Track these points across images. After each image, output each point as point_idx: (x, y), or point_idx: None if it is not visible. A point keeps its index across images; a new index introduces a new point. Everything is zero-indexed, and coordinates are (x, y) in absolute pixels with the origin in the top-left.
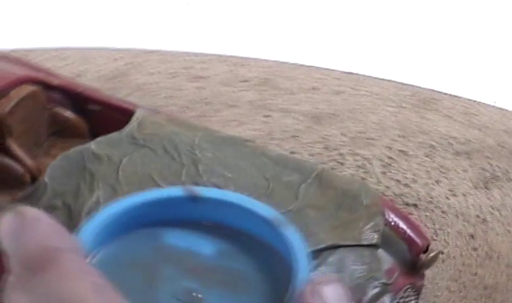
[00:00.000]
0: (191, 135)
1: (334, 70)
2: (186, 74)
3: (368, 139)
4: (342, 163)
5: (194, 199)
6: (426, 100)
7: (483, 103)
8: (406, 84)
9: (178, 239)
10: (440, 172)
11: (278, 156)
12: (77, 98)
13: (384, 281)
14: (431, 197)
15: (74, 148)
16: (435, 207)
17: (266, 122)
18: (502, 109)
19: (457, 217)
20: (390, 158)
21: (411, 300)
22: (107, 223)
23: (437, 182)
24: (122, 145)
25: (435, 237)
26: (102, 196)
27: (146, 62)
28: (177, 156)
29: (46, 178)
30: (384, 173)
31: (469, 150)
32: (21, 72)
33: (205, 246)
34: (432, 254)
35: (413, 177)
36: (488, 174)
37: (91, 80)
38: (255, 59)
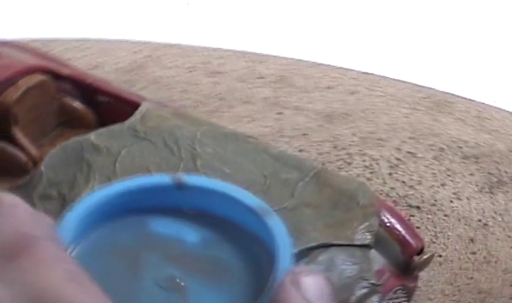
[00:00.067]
0: (193, 130)
1: (351, 69)
2: (203, 69)
3: (378, 139)
4: (349, 163)
5: (180, 186)
6: (441, 103)
7: (498, 108)
8: (422, 86)
9: (163, 227)
10: (447, 175)
11: (279, 153)
12: (86, 89)
13: (373, 281)
14: (435, 200)
15: (74, 138)
16: (438, 210)
17: (278, 120)
18: None
19: (459, 221)
20: (398, 159)
21: (402, 302)
22: (92, 210)
23: (443, 185)
24: (122, 137)
25: (434, 240)
26: (97, 186)
27: (164, 55)
28: (177, 150)
29: (42, 167)
30: (390, 174)
31: (478, 154)
32: (31, 61)
33: (189, 234)
34: (425, 256)
35: (419, 179)
36: (494, 179)
37: (108, 72)
38: (274, 56)
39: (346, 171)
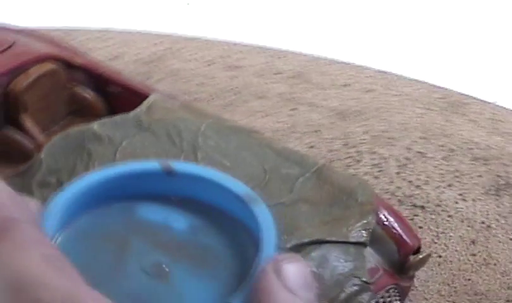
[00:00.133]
0: (198, 123)
1: (368, 68)
2: (222, 63)
3: (389, 138)
4: (358, 161)
5: (169, 173)
6: (455, 104)
7: None
8: (439, 87)
9: (151, 213)
10: (455, 175)
11: (282, 148)
12: (98, 79)
13: (364, 279)
14: (440, 201)
15: (76, 127)
16: (442, 210)
17: (291, 115)
18: None
19: (462, 222)
20: (408, 159)
21: (393, 300)
22: (81, 195)
23: (449, 185)
24: (125, 127)
25: (436, 240)
26: None
27: (184, 48)
28: (179, 142)
29: (42, 154)
30: (398, 173)
31: (488, 156)
32: (44, 49)
33: (177, 221)
34: (421, 256)
35: (426, 179)
36: (502, 181)
37: (127, 63)
38: (293, 53)
39: (355, 169)
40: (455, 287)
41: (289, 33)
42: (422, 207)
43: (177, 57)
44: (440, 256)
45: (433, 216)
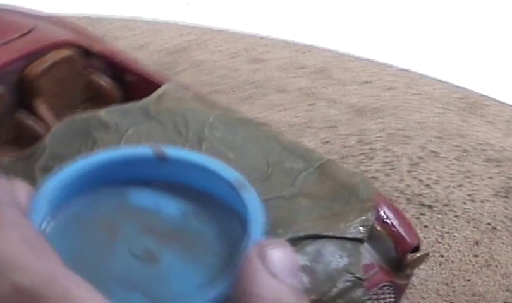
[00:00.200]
0: (206, 114)
1: (391, 66)
2: (246, 56)
3: (404, 136)
4: (371, 158)
5: (161, 159)
6: (474, 105)
7: None
8: (459, 87)
9: (144, 198)
10: (466, 176)
11: (289, 142)
12: (115, 68)
13: (358, 275)
14: (448, 200)
15: (83, 113)
16: (450, 210)
17: (309, 110)
18: None
19: (468, 222)
20: (420, 157)
21: (387, 298)
22: (74, 179)
23: (459, 186)
24: (133, 115)
25: (440, 240)
26: None
27: (210, 40)
28: (185, 132)
29: (47, 140)
30: (409, 171)
31: (501, 158)
32: (62, 36)
33: (169, 206)
34: (418, 255)
35: (436, 178)
36: None
37: (152, 52)
38: (317, 48)
39: (366, 165)
40: (454, 287)
41: (315, 28)
42: (430, 206)
43: (202, 49)
44: (442, 256)
45: (439, 216)
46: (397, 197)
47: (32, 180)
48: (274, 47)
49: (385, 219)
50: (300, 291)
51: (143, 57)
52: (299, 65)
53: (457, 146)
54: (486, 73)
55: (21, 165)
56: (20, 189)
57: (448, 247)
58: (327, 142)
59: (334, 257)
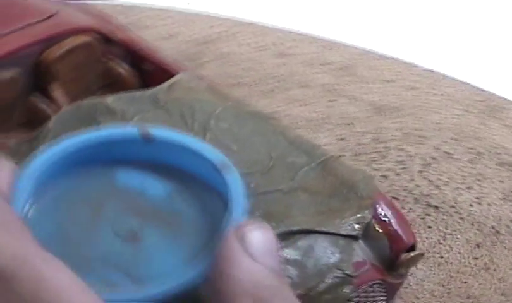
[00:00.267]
0: (215, 105)
1: (416, 66)
2: (273, 50)
3: (420, 137)
4: (384, 156)
5: (147, 139)
6: (495, 108)
7: None
8: (482, 90)
9: (129, 178)
10: (476, 179)
11: (296, 137)
12: (134, 56)
13: (348, 272)
14: (455, 202)
15: (90, 98)
16: (455, 212)
17: (329, 107)
18: None
19: (472, 225)
20: (433, 158)
21: (378, 296)
22: (59, 159)
23: (468, 188)
24: (141, 103)
25: (442, 241)
26: None
27: (239, 33)
28: (191, 123)
29: (51, 123)
30: (420, 172)
31: None
32: (84, 22)
33: (153, 186)
34: (411, 254)
35: (447, 180)
36: None
37: (180, 42)
38: (345, 45)
39: (378, 164)
40: (449, 289)
41: (344, 25)
42: (436, 207)
43: (230, 41)
44: (442, 257)
45: (444, 217)
46: (405, 196)
47: None
48: (302, 42)
49: (382, 218)
50: (279, 273)
51: (171, 46)
52: (325, 61)
53: (471, 149)
54: (510, 77)
55: (25, 147)
56: (3, 167)
57: (449, 249)
58: (342, 139)
59: (326, 252)
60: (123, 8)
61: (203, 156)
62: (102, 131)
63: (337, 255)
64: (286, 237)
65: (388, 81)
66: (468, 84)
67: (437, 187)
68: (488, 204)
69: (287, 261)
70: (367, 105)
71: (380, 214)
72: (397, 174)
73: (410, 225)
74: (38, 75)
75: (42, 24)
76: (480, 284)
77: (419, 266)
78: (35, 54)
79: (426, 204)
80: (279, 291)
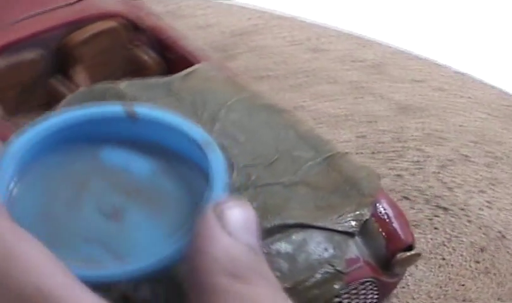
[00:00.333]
0: (228, 96)
1: (448, 67)
2: (308, 45)
3: (440, 138)
4: (400, 155)
5: (132, 117)
6: None
7: None
8: (510, 94)
9: (114, 156)
10: (490, 183)
11: (306, 132)
12: (161, 44)
13: (339, 268)
14: (465, 205)
15: (103, 83)
16: (464, 215)
17: (354, 104)
18: None
19: (479, 229)
20: (450, 160)
21: (369, 294)
22: (44, 136)
23: (481, 191)
24: (154, 90)
25: (446, 243)
26: None
27: (277, 26)
28: (201, 112)
29: (62, 104)
30: (435, 173)
31: None
32: (112, 7)
33: (138, 164)
34: (407, 254)
35: (460, 182)
36: None
37: (216, 33)
38: (379, 43)
39: (395, 163)
40: (446, 290)
41: (382, 23)
42: (445, 209)
43: (266, 34)
44: (444, 258)
45: (452, 219)
46: (416, 197)
47: None
48: (338, 38)
49: (382, 216)
50: (257, 251)
51: (206, 36)
52: (357, 58)
53: (490, 153)
54: None
55: None
56: None
57: (452, 251)
58: (362, 136)
59: (319, 248)
60: None
61: (187, 134)
62: (88, 109)
63: (331, 251)
64: (281, 230)
65: (417, 81)
66: (497, 88)
67: (450, 189)
68: (499, 209)
69: (279, 254)
70: (392, 103)
71: (380, 212)
72: (412, 174)
73: (418, 225)
74: (61, 58)
75: (70, 7)
76: (477, 287)
77: (419, 266)
78: (59, 37)
79: (436, 206)
80: (256, 268)
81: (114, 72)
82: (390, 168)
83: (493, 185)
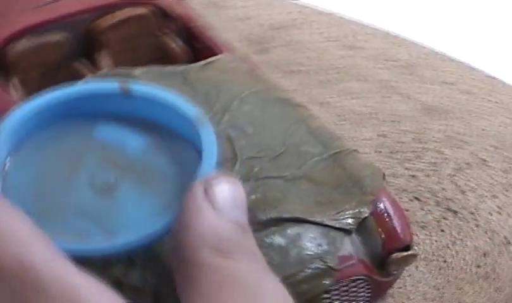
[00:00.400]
0: (243, 88)
1: (480, 71)
2: (343, 42)
3: (460, 141)
4: (418, 156)
5: (126, 94)
6: None
7: None
8: None
9: (108, 133)
10: (504, 188)
11: (317, 128)
12: (189, 33)
13: (330, 264)
14: (475, 209)
15: (120, 68)
16: (473, 219)
17: (380, 103)
18: None
19: (486, 233)
20: (468, 163)
21: (360, 292)
22: (39, 112)
23: (493, 196)
24: (169, 78)
25: (450, 246)
26: None
27: (315, 21)
28: (213, 103)
29: None
30: (450, 175)
31: None
32: None
33: (132, 141)
34: (403, 254)
35: (474, 186)
36: None
37: (254, 26)
38: (415, 43)
39: (411, 163)
40: (443, 293)
41: (421, 23)
42: (455, 212)
43: (304, 29)
44: (445, 261)
45: (460, 223)
46: (428, 198)
47: None
48: (374, 36)
49: (382, 214)
50: (244, 227)
51: (243, 28)
52: (391, 57)
53: (508, 158)
54: None
55: None
56: None
57: (455, 254)
58: (383, 135)
59: (312, 243)
60: None
61: (181, 111)
62: (83, 86)
63: (324, 247)
64: (276, 223)
65: (446, 83)
66: None
67: (462, 192)
68: (508, 215)
69: (272, 246)
70: (418, 104)
71: (381, 211)
72: (427, 175)
73: (425, 227)
74: (87, 42)
75: None
76: (475, 292)
77: (420, 267)
78: (87, 21)
79: (446, 208)
80: (240, 244)
81: (140, 59)
82: (406, 168)
83: (506, 190)
